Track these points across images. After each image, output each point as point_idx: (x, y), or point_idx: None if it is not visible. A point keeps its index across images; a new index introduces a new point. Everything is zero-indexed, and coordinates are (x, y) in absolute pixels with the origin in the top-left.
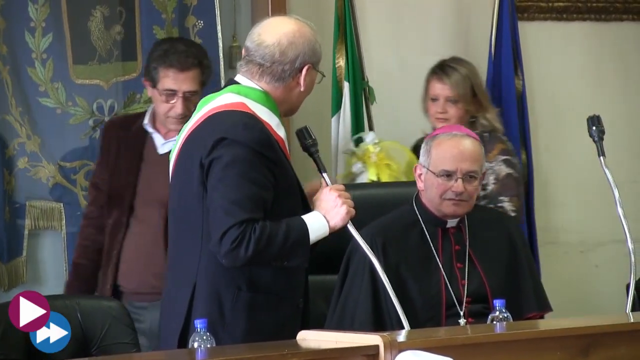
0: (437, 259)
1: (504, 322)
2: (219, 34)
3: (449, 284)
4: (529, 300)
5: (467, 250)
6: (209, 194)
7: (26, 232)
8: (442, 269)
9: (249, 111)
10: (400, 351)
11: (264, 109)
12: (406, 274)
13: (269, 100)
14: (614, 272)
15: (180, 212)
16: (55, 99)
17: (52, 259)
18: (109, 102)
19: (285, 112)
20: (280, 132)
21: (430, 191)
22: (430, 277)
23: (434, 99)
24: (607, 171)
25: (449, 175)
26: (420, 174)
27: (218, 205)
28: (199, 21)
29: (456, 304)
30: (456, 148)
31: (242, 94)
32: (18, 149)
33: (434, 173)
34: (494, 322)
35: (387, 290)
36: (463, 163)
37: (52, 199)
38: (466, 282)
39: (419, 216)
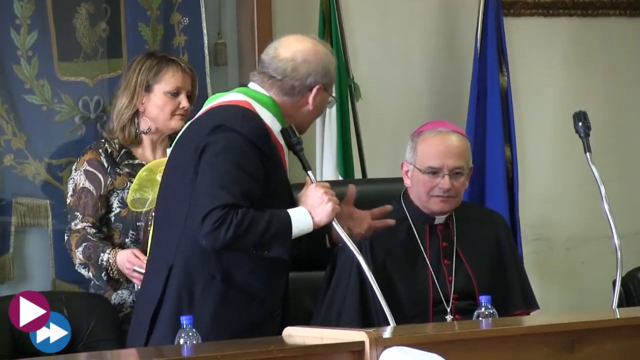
0: (425, 256)
1: (490, 319)
2: (204, 31)
3: (436, 281)
4: (515, 297)
5: (455, 247)
6: (198, 176)
7: (13, 229)
8: (429, 266)
9: (251, 109)
10: (385, 347)
11: (268, 114)
12: (393, 270)
13: (275, 107)
14: (600, 269)
15: (168, 195)
16: (41, 96)
17: (38, 255)
18: (95, 99)
19: None
20: (282, 139)
21: (417, 188)
22: (417, 273)
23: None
24: (593, 167)
25: (435, 172)
26: (407, 171)
27: (205, 188)
28: (184, 18)
29: (443, 300)
30: (442, 144)
31: (249, 95)
32: (4, 146)
33: (420, 170)
34: (480, 319)
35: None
36: (449, 159)
37: (39, 196)
38: (453, 279)
39: (407, 213)
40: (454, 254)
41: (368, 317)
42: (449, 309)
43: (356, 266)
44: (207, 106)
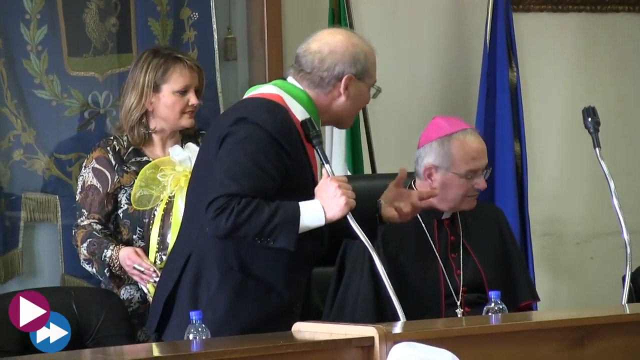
0: (435, 250)
1: (499, 314)
2: (214, 26)
3: (445, 274)
4: (523, 288)
5: (462, 241)
6: (215, 165)
7: (22, 224)
8: (439, 260)
9: (281, 103)
10: (395, 343)
11: (299, 108)
12: (406, 263)
13: (309, 102)
14: (609, 264)
15: (195, 184)
16: (51, 91)
17: (47, 251)
18: (104, 94)
19: (331, 122)
20: None
21: (451, 191)
22: (428, 267)
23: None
24: (602, 162)
25: (474, 174)
26: (431, 174)
27: (216, 177)
28: (193, 13)
29: (453, 293)
30: (474, 145)
31: (283, 89)
32: (13, 141)
33: (458, 174)
34: (490, 314)
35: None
36: (483, 159)
37: (48, 191)
38: (461, 272)
39: None
40: (461, 247)
41: (383, 311)
42: (458, 302)
43: (369, 262)
44: (243, 97)
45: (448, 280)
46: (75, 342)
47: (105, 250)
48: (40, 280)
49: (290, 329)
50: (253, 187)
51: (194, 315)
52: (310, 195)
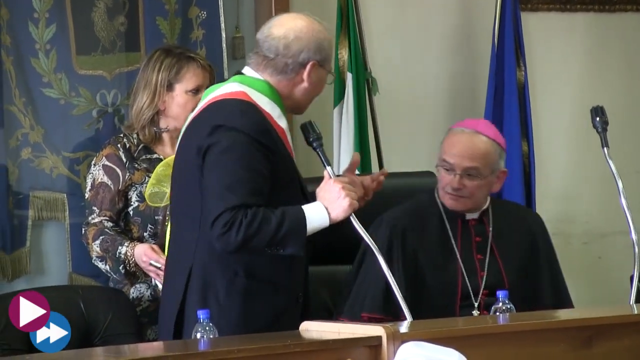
0: (455, 249)
1: (507, 314)
2: (222, 25)
3: (466, 275)
4: (545, 297)
5: (490, 243)
6: (205, 178)
7: (30, 222)
8: (459, 260)
9: (248, 100)
10: (402, 342)
11: (265, 99)
12: (424, 261)
13: (272, 91)
14: (617, 264)
15: (180, 195)
16: (59, 90)
17: (55, 249)
18: (112, 93)
19: (291, 108)
20: (282, 123)
21: (439, 182)
22: (447, 266)
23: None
24: (610, 162)
25: (448, 168)
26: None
27: (212, 191)
28: (202, 12)
29: (471, 295)
30: (460, 143)
31: (245, 83)
32: (22, 140)
33: (438, 163)
34: (497, 314)
35: (401, 277)
36: (462, 159)
37: (56, 190)
38: (485, 274)
39: (440, 206)
40: (488, 249)
41: (393, 309)
42: (476, 304)
43: (387, 255)
44: (205, 99)
45: (468, 282)
46: (83, 340)
47: (119, 247)
48: (48, 279)
49: (296, 321)
50: (251, 192)
51: (201, 314)
52: (296, 188)
